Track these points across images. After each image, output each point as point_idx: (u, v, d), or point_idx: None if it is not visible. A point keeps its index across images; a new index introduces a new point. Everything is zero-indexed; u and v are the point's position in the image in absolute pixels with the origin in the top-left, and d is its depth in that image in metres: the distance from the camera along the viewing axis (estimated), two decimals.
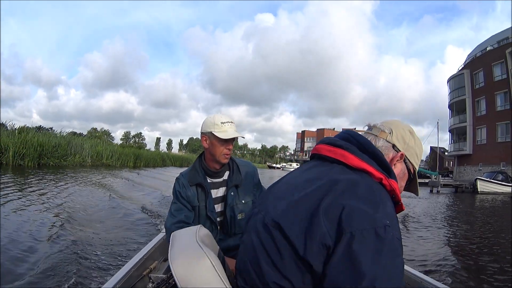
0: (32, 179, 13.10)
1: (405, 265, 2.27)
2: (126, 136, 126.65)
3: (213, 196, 2.20)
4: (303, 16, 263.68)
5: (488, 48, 39.36)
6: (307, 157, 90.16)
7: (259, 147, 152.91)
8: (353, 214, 0.87)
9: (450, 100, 44.53)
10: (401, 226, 7.75)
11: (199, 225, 1.39)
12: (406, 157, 1.18)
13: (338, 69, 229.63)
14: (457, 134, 43.24)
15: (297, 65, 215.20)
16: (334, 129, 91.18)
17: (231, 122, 2.14)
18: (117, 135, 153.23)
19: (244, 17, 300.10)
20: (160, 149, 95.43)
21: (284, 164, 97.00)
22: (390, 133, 1.16)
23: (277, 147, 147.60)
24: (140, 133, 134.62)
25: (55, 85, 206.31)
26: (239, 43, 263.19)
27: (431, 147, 63.78)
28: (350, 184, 0.94)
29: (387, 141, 1.16)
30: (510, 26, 37.48)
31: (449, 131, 45.33)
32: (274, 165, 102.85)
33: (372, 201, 0.91)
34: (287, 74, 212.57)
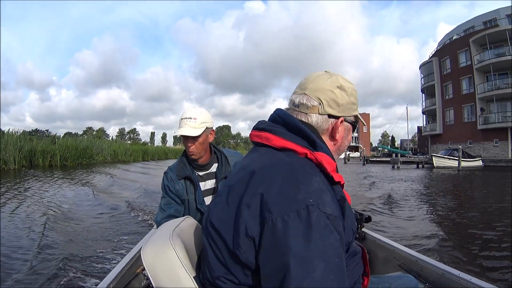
0: (77, 175, 16.25)
1: (399, 245, 2.20)
2: (121, 132, 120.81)
3: (202, 189, 2.09)
4: (294, 2, 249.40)
5: (454, 37, 39.71)
6: None
7: None
8: (273, 200, 0.79)
9: (422, 85, 45.14)
10: (383, 206, 8.22)
11: (185, 217, 1.36)
12: (345, 116, 1.05)
13: (331, 52, 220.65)
14: (430, 115, 44.10)
15: (289, 50, 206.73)
16: None
17: (190, 118, 1.97)
18: (111, 132, 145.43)
19: (233, 5, 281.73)
20: (155, 144, 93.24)
21: None
22: (320, 104, 1.01)
23: None
24: (135, 128, 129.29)
25: (46, 86, 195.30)
26: (230, 32, 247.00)
27: (418, 127, 63.90)
28: (267, 171, 0.87)
29: (320, 114, 1.02)
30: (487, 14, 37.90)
31: (423, 113, 46.09)
32: None
33: (292, 182, 0.81)
34: (279, 60, 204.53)
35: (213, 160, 2.16)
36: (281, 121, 1.00)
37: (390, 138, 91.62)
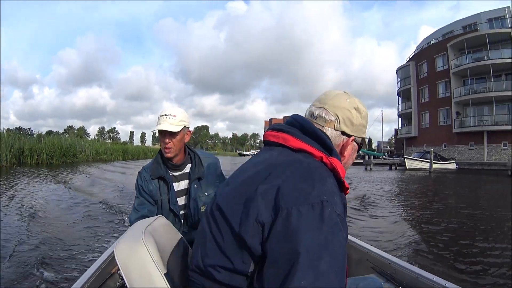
0: (60, 172, 16.75)
1: (372, 247, 2.19)
2: (101, 131, 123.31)
3: (176, 189, 2.07)
4: (276, 2, 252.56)
5: (432, 42, 39.98)
6: None
7: (230, 135, 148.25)
8: (289, 192, 0.82)
9: (398, 88, 45.25)
10: (360, 208, 8.40)
11: (157, 216, 1.36)
12: (356, 137, 1.10)
13: (312, 53, 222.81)
14: (405, 118, 44.23)
15: (270, 51, 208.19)
16: None
17: (169, 115, 1.96)
18: (91, 131, 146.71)
19: (215, 5, 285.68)
20: (134, 143, 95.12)
21: (254, 151, 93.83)
22: (336, 120, 1.06)
23: (248, 134, 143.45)
24: (114, 128, 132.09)
25: (30, 84, 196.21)
26: (211, 32, 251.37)
27: (395, 129, 64.21)
28: (286, 167, 0.90)
29: (335, 130, 1.06)
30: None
31: (398, 116, 46.25)
32: (244, 152, 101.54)
33: (308, 179, 0.85)
34: (260, 61, 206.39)
35: (187, 160, 2.13)
36: (298, 125, 1.03)
37: (367, 140, 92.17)
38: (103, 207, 7.84)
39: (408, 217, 7.76)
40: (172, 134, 1.96)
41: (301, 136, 0.99)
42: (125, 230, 2.83)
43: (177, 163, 2.08)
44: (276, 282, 0.76)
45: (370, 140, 66.37)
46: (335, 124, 1.06)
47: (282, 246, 0.78)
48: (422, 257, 4.62)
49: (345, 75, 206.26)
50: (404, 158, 32.04)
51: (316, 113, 1.08)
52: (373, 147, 64.55)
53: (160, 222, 1.30)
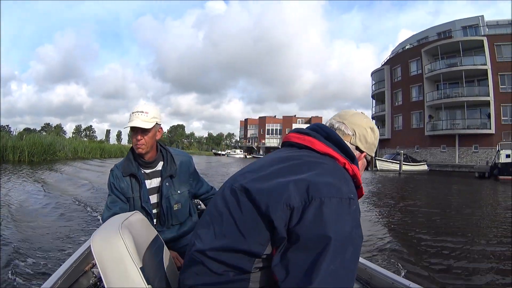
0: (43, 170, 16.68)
1: None
2: (77, 129, 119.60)
3: (147, 187, 2.02)
4: (255, 2, 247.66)
5: (407, 47, 40.67)
6: (250, 144, 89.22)
7: (206, 135, 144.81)
8: (322, 185, 0.86)
9: (373, 91, 45.80)
10: None
11: (134, 211, 1.35)
12: (367, 153, 1.18)
13: (289, 54, 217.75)
14: (379, 121, 44.54)
15: (248, 52, 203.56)
16: (275, 116, 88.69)
17: (142, 112, 1.92)
18: (68, 128, 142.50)
19: (194, 4, 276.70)
20: (110, 141, 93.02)
21: (229, 151, 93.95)
22: (353, 135, 1.15)
23: (223, 134, 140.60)
24: (91, 126, 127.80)
25: (9, 80, 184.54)
26: (189, 31, 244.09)
27: None
28: (316, 163, 0.96)
29: (350, 144, 1.14)
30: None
31: (372, 118, 45.97)
32: (219, 152, 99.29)
33: (337, 177, 0.92)
34: (237, 61, 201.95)
35: (159, 158, 2.09)
36: (323, 132, 1.09)
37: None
38: (78, 205, 7.70)
39: (379, 218, 7.87)
40: (144, 131, 1.93)
41: (326, 142, 1.05)
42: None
43: (148, 160, 2.04)
44: (304, 264, 0.79)
45: None
46: (352, 139, 1.14)
47: (314, 232, 0.81)
48: (394, 259, 4.60)
49: (322, 77, 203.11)
50: (375, 159, 32.20)
51: (336, 126, 1.17)
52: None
53: (137, 218, 1.30)
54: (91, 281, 1.88)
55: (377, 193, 13.70)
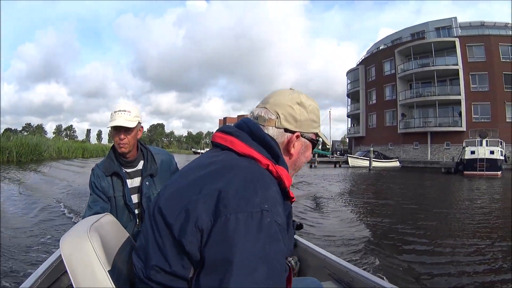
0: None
1: (330, 254, 2.10)
2: (58, 129, 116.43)
3: (129, 186, 1.98)
4: (237, 1, 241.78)
5: (381, 47, 41.03)
6: None
7: (186, 133, 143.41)
8: (230, 198, 0.76)
9: (348, 90, 45.92)
10: (314, 208, 8.51)
11: (105, 213, 1.31)
12: (303, 132, 1.01)
13: (271, 53, 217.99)
14: (354, 119, 45.03)
15: (229, 50, 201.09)
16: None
17: (124, 111, 1.89)
18: (48, 128, 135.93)
19: (175, 3, 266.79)
20: (91, 141, 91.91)
21: (208, 149, 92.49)
22: (277, 118, 0.98)
23: (203, 133, 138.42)
24: (71, 125, 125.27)
25: None
26: (170, 30, 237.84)
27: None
28: (229, 170, 0.83)
29: (276, 128, 0.98)
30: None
31: (348, 116, 46.98)
32: (198, 150, 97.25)
33: (251, 186, 0.79)
34: (218, 60, 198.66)
35: (139, 157, 2.05)
36: (247, 129, 0.96)
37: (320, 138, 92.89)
38: (60, 205, 7.49)
39: (351, 215, 7.81)
40: (127, 130, 1.89)
41: (249, 141, 0.93)
42: None
43: (130, 159, 2.00)
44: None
45: None
46: (276, 122, 0.98)
47: (217, 253, 0.72)
48: (373, 258, 4.47)
49: (303, 75, 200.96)
50: (348, 156, 33.10)
51: (256, 113, 1.02)
52: (327, 146, 65.39)
53: (107, 220, 1.27)
54: (69, 282, 1.72)
55: (348, 189, 13.90)
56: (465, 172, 22.43)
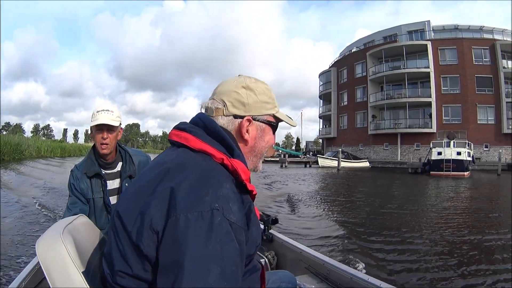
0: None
1: (306, 248, 2.12)
2: (36, 128, 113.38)
3: (108, 188, 1.94)
4: (214, 1, 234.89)
5: (353, 50, 40.79)
6: None
7: (161, 133, 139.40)
8: (181, 197, 0.74)
9: (320, 92, 45.52)
10: (286, 207, 8.54)
11: (79, 215, 1.29)
12: (255, 116, 0.96)
13: (247, 53, 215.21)
14: (326, 120, 44.71)
15: (205, 50, 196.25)
16: None
17: (107, 111, 1.86)
18: (26, 127, 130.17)
19: (152, 2, 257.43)
20: (67, 141, 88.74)
21: None
22: (224, 106, 0.95)
23: None
24: (48, 125, 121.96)
25: None
26: (147, 29, 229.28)
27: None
28: (180, 169, 0.80)
29: (225, 116, 0.94)
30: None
31: (319, 117, 46.60)
32: None
33: (202, 183, 0.76)
34: (194, 59, 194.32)
35: (118, 158, 2.02)
36: (202, 124, 0.93)
37: (294, 139, 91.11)
38: (40, 207, 7.28)
39: (321, 212, 7.92)
40: (109, 130, 1.87)
41: (203, 136, 0.89)
42: None
43: (109, 160, 1.96)
44: None
45: (298, 139, 66.25)
46: (224, 111, 0.95)
47: (169, 255, 0.70)
48: (348, 252, 4.64)
49: (279, 75, 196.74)
50: (317, 157, 33.20)
51: (204, 105, 0.99)
52: (301, 147, 65.11)
53: (81, 221, 1.25)
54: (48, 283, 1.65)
55: (318, 188, 14.25)
56: (431, 172, 22.60)
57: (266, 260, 2.20)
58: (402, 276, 3.82)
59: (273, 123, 1.00)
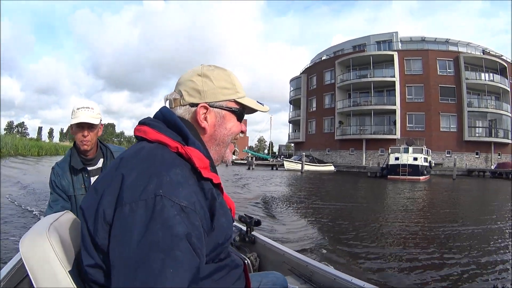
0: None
1: (289, 249, 2.01)
2: (10, 126, 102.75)
3: (90, 184, 1.89)
4: (194, 2, 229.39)
5: (323, 58, 40.43)
6: None
7: None
8: (127, 188, 0.71)
9: (290, 97, 44.72)
10: (260, 209, 8.37)
11: (64, 211, 1.19)
12: (212, 102, 0.90)
13: (224, 55, 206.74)
14: (295, 125, 43.96)
15: (182, 51, 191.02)
16: None
17: (88, 108, 1.78)
18: None
19: (132, 2, 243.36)
20: (42, 139, 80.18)
21: None
22: (180, 96, 0.91)
23: None
24: (23, 122, 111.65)
25: None
26: (125, 28, 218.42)
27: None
28: (130, 159, 0.78)
29: (182, 106, 0.90)
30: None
31: (289, 122, 45.74)
32: None
33: (148, 173, 0.72)
34: (171, 60, 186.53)
35: (99, 155, 1.96)
36: (161, 117, 0.90)
37: (267, 143, 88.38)
38: (17, 204, 6.96)
39: (291, 212, 8.15)
40: (90, 127, 1.81)
41: (160, 127, 0.85)
42: None
43: (90, 157, 1.90)
44: (114, 285, 0.66)
45: (271, 143, 64.56)
46: (180, 101, 0.91)
47: (115, 247, 0.67)
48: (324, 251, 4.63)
49: (255, 78, 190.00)
50: (283, 160, 33.30)
51: (165, 99, 0.95)
52: (273, 150, 63.70)
53: (67, 218, 1.16)
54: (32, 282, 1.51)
55: (283, 189, 14.31)
56: (388, 176, 22.79)
57: (249, 261, 1.86)
58: (383, 275, 3.86)
59: (235, 109, 0.92)
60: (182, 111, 0.90)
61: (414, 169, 22.04)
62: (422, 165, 22.44)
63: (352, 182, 20.23)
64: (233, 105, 0.92)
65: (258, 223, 2.20)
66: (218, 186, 0.85)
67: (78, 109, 1.75)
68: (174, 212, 0.67)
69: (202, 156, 0.82)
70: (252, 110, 0.97)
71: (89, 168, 1.88)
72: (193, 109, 0.89)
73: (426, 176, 22.66)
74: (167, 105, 0.94)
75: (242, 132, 0.98)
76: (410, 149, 23.15)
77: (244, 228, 2.24)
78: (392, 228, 6.53)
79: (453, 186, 18.20)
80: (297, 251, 2.10)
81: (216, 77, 0.90)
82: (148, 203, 0.67)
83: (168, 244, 0.64)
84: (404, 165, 22.21)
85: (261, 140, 74.16)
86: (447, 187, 18.14)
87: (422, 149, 23.73)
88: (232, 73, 0.94)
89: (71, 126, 1.79)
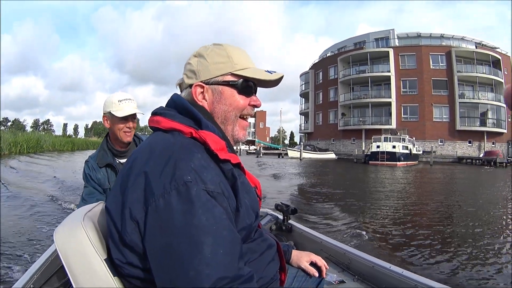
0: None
1: (326, 237, 1.74)
2: (36, 123, 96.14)
3: None
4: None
5: (328, 54, 38.19)
6: None
7: None
8: (154, 181, 0.61)
9: (301, 91, 42.66)
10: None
11: (99, 202, 1.00)
12: (207, 80, 0.75)
13: (251, 48, 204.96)
14: (305, 117, 42.29)
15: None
16: None
17: (130, 99, 1.56)
18: (24, 122, 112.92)
19: None
20: (67, 135, 72.71)
21: None
22: (182, 80, 0.80)
23: None
24: (48, 120, 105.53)
25: None
26: (149, 23, 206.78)
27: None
28: (150, 151, 0.66)
29: (185, 89, 0.79)
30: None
31: (300, 114, 44.07)
32: None
33: (171, 161, 0.62)
34: None
35: (132, 146, 1.69)
36: (173, 104, 0.78)
37: (285, 133, 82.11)
38: (54, 200, 5.74)
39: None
40: (134, 118, 1.60)
41: (173, 115, 0.73)
42: None
43: (124, 149, 1.65)
44: (163, 279, 0.58)
45: (292, 133, 61.14)
46: (183, 85, 0.80)
47: (157, 240, 0.58)
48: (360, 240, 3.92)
49: (279, 70, 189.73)
50: (287, 149, 33.43)
51: (177, 86, 0.84)
52: (294, 140, 61.28)
53: (101, 208, 0.99)
54: (63, 280, 1.48)
55: (279, 172, 13.50)
56: (370, 162, 22.53)
57: (274, 239, 1.57)
58: (421, 262, 3.18)
59: (233, 82, 0.76)
60: (185, 95, 0.78)
61: (392, 156, 21.62)
62: (399, 152, 22.04)
63: (338, 167, 19.91)
64: (230, 78, 0.76)
65: (294, 211, 1.89)
66: (238, 165, 0.72)
67: (120, 101, 1.52)
68: (208, 196, 0.60)
69: (218, 138, 0.70)
70: (261, 82, 0.78)
71: (121, 161, 1.64)
72: (191, 89, 0.76)
73: (405, 162, 22.17)
74: (178, 92, 0.82)
75: (255, 106, 0.79)
76: (391, 138, 22.88)
77: (281, 217, 1.94)
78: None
79: (425, 172, 17.20)
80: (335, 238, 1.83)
81: (209, 54, 0.76)
82: (180, 191, 0.58)
83: (213, 226, 0.57)
84: (382, 152, 21.87)
85: (280, 131, 70.79)
86: (419, 172, 17.02)
87: (403, 138, 23.07)
88: (231, 46, 0.78)
89: (107, 118, 1.55)
